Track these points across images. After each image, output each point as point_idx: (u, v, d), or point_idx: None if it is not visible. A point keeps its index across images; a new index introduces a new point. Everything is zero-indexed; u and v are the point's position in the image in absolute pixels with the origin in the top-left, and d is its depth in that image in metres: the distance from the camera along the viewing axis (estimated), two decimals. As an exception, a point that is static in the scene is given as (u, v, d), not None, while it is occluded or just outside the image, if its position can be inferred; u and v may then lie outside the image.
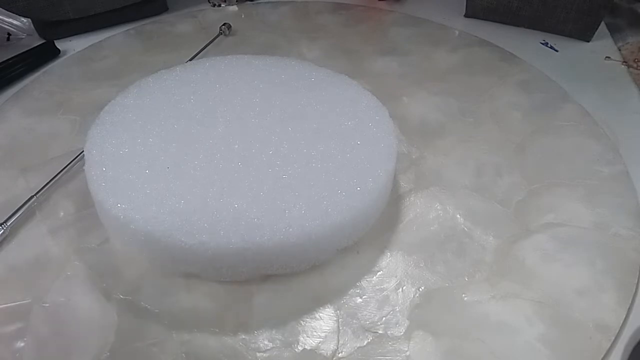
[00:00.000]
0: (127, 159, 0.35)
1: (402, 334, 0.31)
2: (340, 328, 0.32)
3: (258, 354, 0.30)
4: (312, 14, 0.65)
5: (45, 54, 0.57)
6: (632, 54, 0.57)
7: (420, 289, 0.34)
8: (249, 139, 0.36)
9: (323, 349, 0.31)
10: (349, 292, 0.34)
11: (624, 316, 0.32)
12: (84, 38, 0.61)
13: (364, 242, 0.36)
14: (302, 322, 0.32)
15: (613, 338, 0.31)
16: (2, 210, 0.38)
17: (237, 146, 0.36)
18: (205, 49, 0.57)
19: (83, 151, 0.37)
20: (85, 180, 0.35)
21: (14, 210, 0.38)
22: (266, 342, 0.31)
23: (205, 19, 0.64)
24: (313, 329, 0.32)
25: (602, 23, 0.60)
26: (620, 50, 0.58)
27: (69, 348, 0.31)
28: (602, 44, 0.59)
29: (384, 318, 0.32)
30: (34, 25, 0.62)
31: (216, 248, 0.31)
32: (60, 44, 0.59)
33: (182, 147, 0.36)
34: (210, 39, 0.59)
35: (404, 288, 0.34)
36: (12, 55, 0.55)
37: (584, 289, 0.34)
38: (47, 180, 0.40)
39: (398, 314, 0.32)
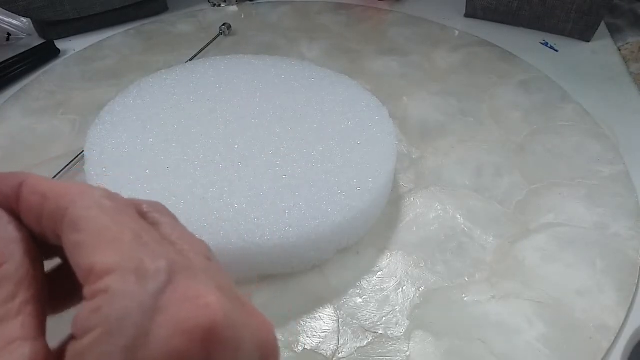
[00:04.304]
0: (127, 159, 0.35)
1: (402, 334, 0.31)
2: (340, 328, 0.32)
3: (258, 354, 0.30)
4: (312, 13, 0.65)
5: (45, 54, 0.57)
6: (632, 54, 0.57)
7: (421, 289, 0.34)
8: (249, 139, 0.36)
9: (323, 349, 0.31)
10: (349, 292, 0.34)
11: (624, 316, 0.32)
12: (83, 38, 0.61)
13: (364, 242, 0.36)
14: (302, 322, 0.32)
15: (613, 338, 0.31)
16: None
17: (237, 146, 0.36)
18: (205, 49, 0.57)
19: (83, 151, 0.37)
20: (85, 180, 0.35)
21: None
22: (266, 342, 0.31)
23: (205, 19, 0.64)
24: (313, 329, 0.32)
25: (602, 23, 0.60)
26: (620, 50, 0.58)
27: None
28: (603, 44, 0.59)
29: (384, 318, 0.32)
30: (33, 25, 0.62)
31: (216, 248, 0.31)
32: (60, 44, 0.59)
33: (182, 147, 0.36)
34: (210, 39, 0.59)
35: (404, 288, 0.34)
36: (12, 55, 0.55)
37: (584, 289, 0.34)
38: (47, 180, 0.40)
39: (398, 314, 0.32)
